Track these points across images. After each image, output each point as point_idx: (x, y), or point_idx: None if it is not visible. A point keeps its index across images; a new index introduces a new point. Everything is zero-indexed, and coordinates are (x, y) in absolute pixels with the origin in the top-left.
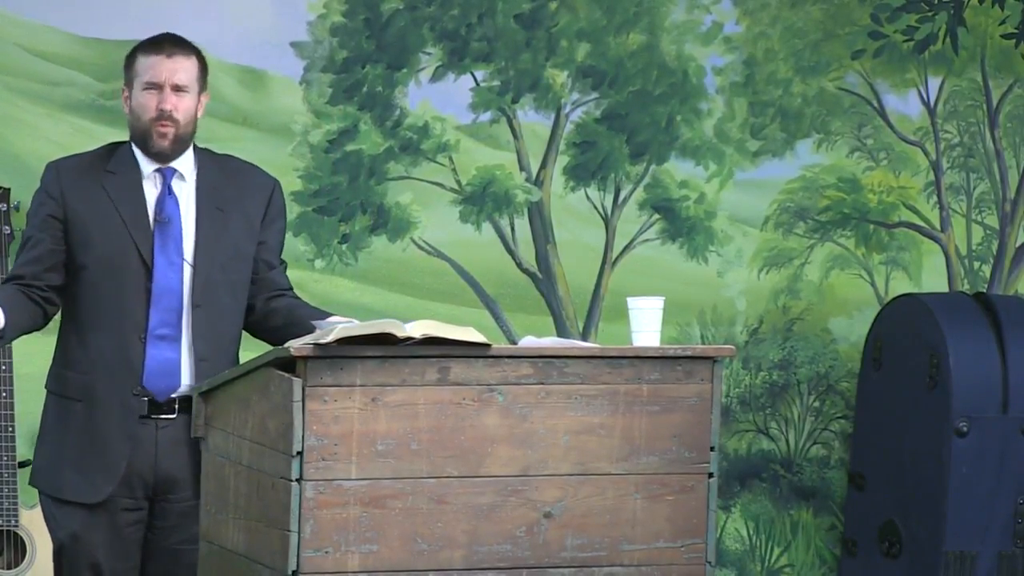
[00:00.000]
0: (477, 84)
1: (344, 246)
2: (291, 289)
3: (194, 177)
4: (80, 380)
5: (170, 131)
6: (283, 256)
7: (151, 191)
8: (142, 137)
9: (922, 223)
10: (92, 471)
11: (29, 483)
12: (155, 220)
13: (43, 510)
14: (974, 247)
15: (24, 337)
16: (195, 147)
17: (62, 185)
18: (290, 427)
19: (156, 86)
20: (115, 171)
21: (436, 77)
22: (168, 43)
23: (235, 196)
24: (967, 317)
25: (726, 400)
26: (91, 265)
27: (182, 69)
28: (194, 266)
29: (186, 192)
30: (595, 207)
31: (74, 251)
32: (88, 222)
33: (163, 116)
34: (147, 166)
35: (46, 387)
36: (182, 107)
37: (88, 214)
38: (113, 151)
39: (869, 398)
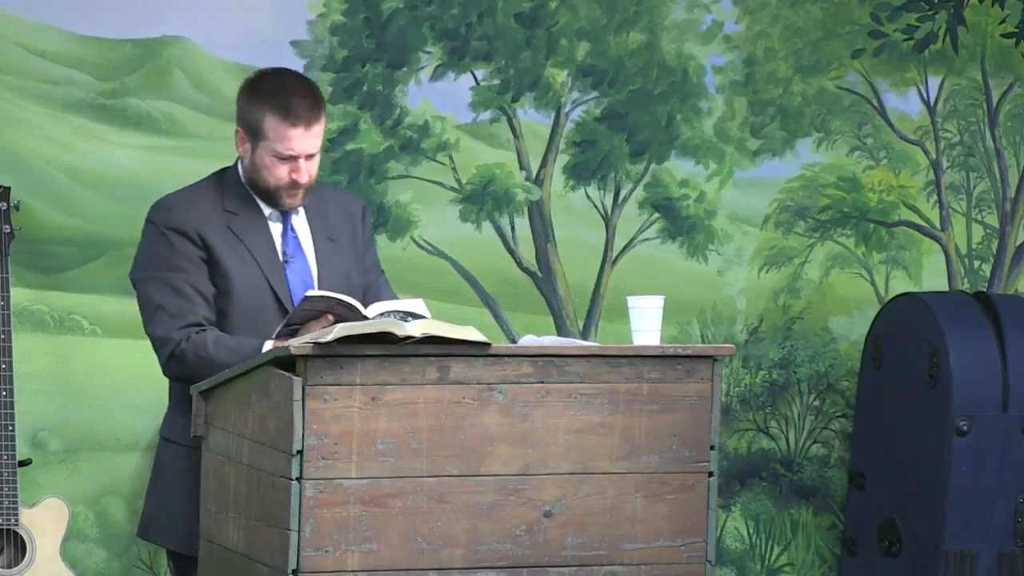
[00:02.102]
0: (477, 83)
1: None
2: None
3: (303, 209)
4: None
5: (300, 194)
6: None
7: (274, 230)
8: (266, 195)
9: (922, 222)
10: None
11: (139, 535)
12: (283, 261)
13: (170, 564)
14: (974, 246)
15: (24, 335)
16: None
17: (197, 226)
18: (290, 426)
19: (291, 159)
20: (236, 212)
21: (436, 76)
22: (303, 109)
23: (338, 223)
24: (967, 316)
25: (726, 399)
26: (231, 312)
27: (317, 136)
28: None
29: (300, 226)
30: (595, 206)
31: (217, 296)
32: (228, 268)
33: (295, 185)
34: (266, 206)
35: (161, 434)
36: (313, 169)
37: (225, 258)
38: (220, 186)
39: (869, 397)
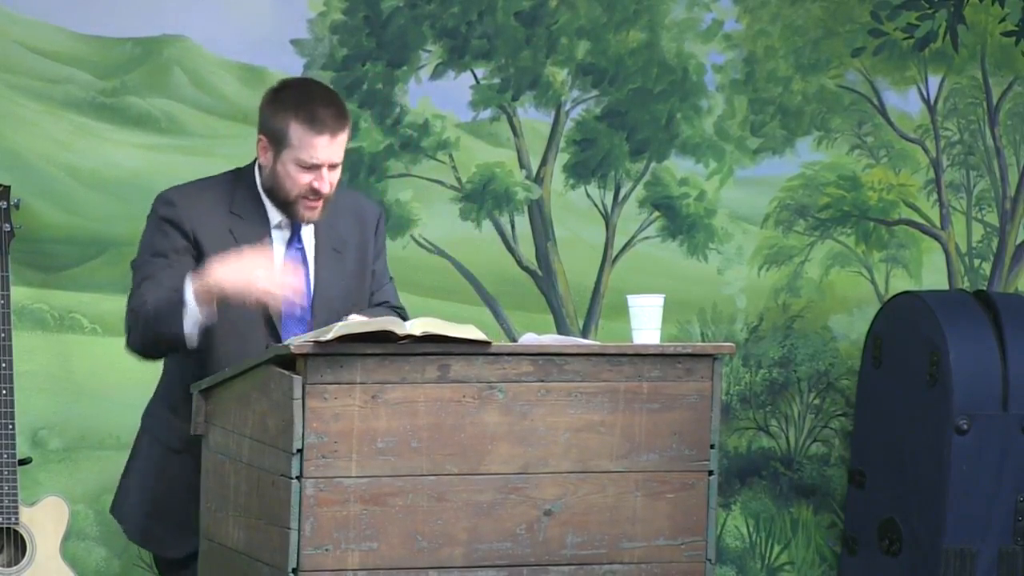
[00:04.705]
0: (477, 82)
1: None
2: (391, 304)
3: None
4: (186, 431)
5: (319, 205)
6: None
7: (278, 239)
8: (284, 204)
9: (922, 221)
10: (186, 526)
11: (112, 512)
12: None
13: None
14: (974, 244)
15: (24, 334)
16: None
17: (192, 223)
18: (290, 424)
19: (314, 167)
20: (242, 216)
21: (436, 75)
22: (329, 118)
23: (347, 232)
24: (967, 315)
25: (726, 398)
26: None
27: (341, 145)
28: (312, 315)
29: (307, 237)
30: (595, 205)
31: None
32: None
33: (316, 195)
34: (275, 214)
35: (144, 425)
36: (335, 180)
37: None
38: (233, 185)
39: (869, 395)
